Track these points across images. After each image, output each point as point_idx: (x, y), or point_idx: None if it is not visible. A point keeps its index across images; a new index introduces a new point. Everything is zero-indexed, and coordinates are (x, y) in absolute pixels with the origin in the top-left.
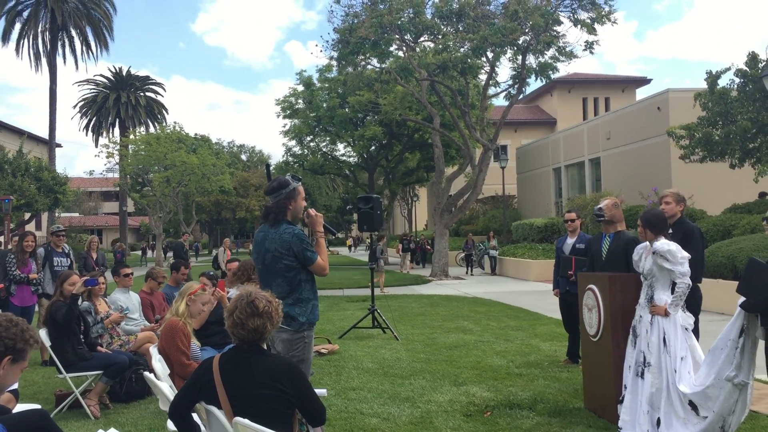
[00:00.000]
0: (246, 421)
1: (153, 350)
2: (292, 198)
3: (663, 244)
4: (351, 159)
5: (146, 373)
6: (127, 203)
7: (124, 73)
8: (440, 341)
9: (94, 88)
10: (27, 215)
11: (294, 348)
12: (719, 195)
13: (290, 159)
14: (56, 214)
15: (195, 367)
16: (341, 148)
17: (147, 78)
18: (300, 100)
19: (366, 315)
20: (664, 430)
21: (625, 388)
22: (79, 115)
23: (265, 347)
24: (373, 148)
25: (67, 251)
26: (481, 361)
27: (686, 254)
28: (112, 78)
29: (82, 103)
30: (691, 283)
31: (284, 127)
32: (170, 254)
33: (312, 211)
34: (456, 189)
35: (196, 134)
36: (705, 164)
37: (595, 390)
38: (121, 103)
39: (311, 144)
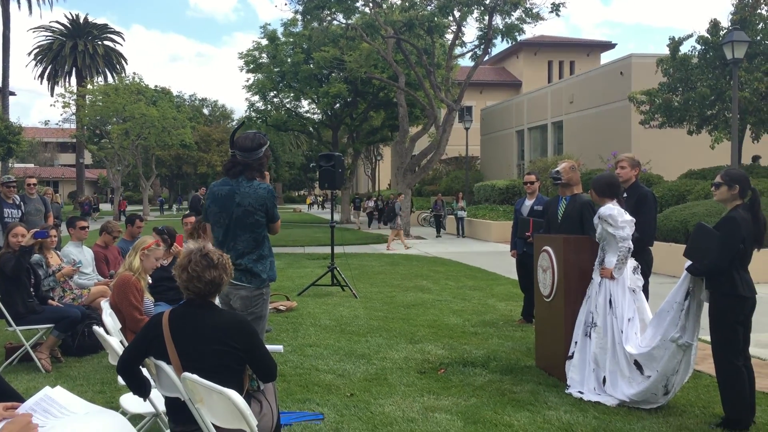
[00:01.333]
0: (194, 376)
1: (104, 304)
2: (267, 156)
3: (606, 209)
4: (315, 116)
5: (96, 328)
6: (84, 155)
7: (81, 21)
8: (398, 300)
9: (49, 35)
10: None
11: (253, 305)
12: (676, 161)
13: (253, 114)
14: (9, 165)
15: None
16: (305, 105)
17: (105, 26)
18: (264, 55)
19: (325, 273)
20: (609, 388)
21: (575, 344)
22: (33, 62)
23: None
24: (337, 105)
25: (17, 202)
26: (438, 320)
27: (628, 218)
28: (68, 25)
29: (37, 50)
30: (632, 247)
31: (247, 81)
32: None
33: (266, 173)
34: (420, 149)
35: (156, 86)
36: (664, 130)
37: (546, 349)
38: (78, 51)
39: (275, 100)
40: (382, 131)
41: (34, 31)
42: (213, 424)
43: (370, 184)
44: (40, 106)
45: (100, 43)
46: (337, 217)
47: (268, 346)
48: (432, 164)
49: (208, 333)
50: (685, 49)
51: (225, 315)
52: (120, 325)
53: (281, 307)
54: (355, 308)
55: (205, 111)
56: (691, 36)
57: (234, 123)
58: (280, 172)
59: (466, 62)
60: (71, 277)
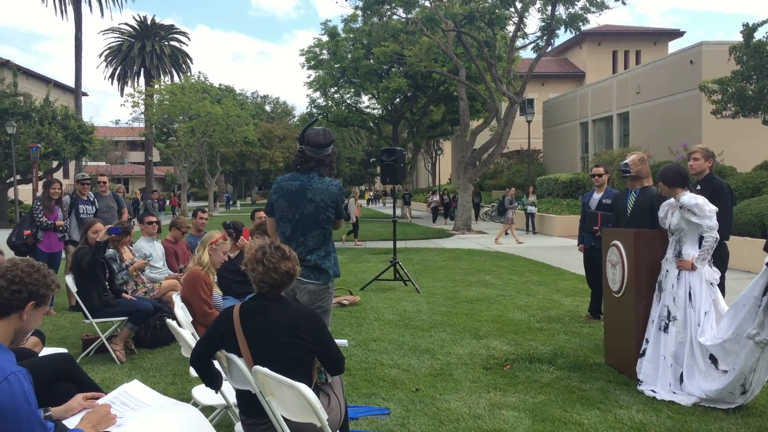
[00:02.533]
0: (265, 369)
1: (176, 298)
2: (336, 153)
3: (690, 198)
4: (375, 111)
5: (169, 321)
6: (152, 153)
7: (148, 22)
8: (461, 295)
9: (119, 37)
10: (54, 163)
11: (320, 299)
12: (750, 152)
13: (314, 111)
14: (83, 163)
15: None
16: (365, 100)
17: (171, 27)
18: (324, 51)
19: (388, 267)
20: (686, 384)
21: (647, 342)
22: (104, 63)
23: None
24: (397, 100)
25: (92, 199)
26: (502, 315)
27: (714, 207)
28: (136, 27)
29: (108, 51)
30: (718, 237)
31: (308, 78)
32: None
33: None
34: (481, 143)
35: (220, 84)
36: (737, 120)
37: (616, 346)
38: (146, 52)
39: (335, 96)
40: (443, 125)
41: (104, 33)
42: (284, 418)
43: (431, 179)
44: (111, 106)
45: (166, 43)
46: (398, 212)
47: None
48: (493, 158)
49: (279, 325)
50: (759, 35)
51: (295, 307)
52: (191, 318)
53: (345, 302)
54: (418, 303)
55: (267, 108)
56: (766, 22)
57: (295, 119)
58: (341, 167)
59: (528, 54)
60: (143, 270)
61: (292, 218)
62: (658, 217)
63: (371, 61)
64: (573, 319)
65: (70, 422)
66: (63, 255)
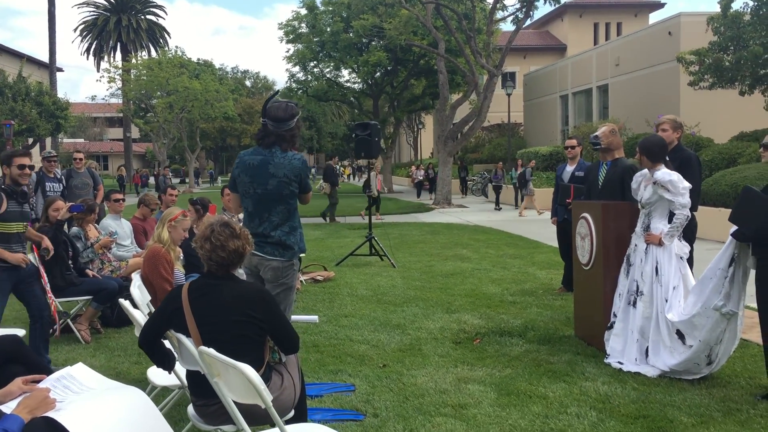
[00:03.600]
0: (210, 350)
1: (135, 276)
2: (299, 126)
3: (664, 173)
4: (356, 85)
5: (121, 300)
6: (131, 129)
7: None
8: (437, 269)
9: (94, 11)
10: (30, 140)
11: (284, 275)
12: (728, 123)
13: (294, 85)
14: (59, 140)
15: None
16: (346, 75)
17: (147, 0)
18: (303, 25)
19: (363, 242)
20: (651, 359)
21: (615, 316)
22: (79, 38)
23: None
24: (378, 74)
25: (59, 176)
26: (476, 289)
27: (687, 185)
28: (112, 0)
29: (83, 26)
30: (690, 215)
31: (287, 52)
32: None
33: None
34: (461, 116)
35: (198, 59)
36: (714, 91)
37: (585, 318)
38: (122, 26)
39: (315, 70)
40: (423, 99)
41: (78, 7)
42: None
43: (413, 153)
44: (89, 82)
45: (143, 17)
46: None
47: (304, 317)
48: (473, 132)
49: (228, 303)
50: (736, 5)
51: (245, 285)
52: (149, 298)
53: (319, 278)
54: (393, 278)
55: (248, 83)
56: None
57: (277, 95)
58: (323, 142)
59: (508, 26)
60: (109, 248)
61: (254, 193)
62: (631, 189)
63: (351, 34)
64: (546, 292)
65: (9, 407)
66: None
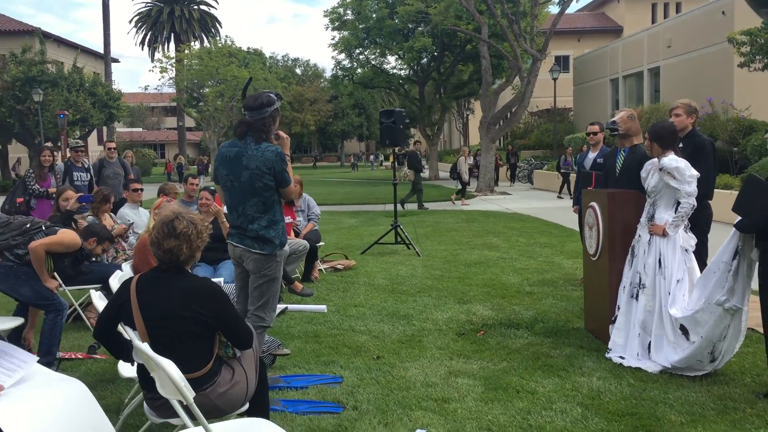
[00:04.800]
0: (144, 346)
1: (126, 267)
2: (275, 117)
3: (671, 160)
4: (402, 72)
5: (92, 291)
6: (184, 119)
7: None
8: (462, 258)
9: (149, 2)
10: (82, 131)
11: (266, 267)
12: None
13: (340, 72)
14: (115, 129)
15: None
16: (392, 61)
17: None
18: (349, 11)
19: (388, 231)
20: (654, 354)
21: (619, 309)
22: (135, 29)
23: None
24: (424, 60)
25: (86, 166)
26: (496, 279)
27: (695, 173)
28: None
29: (137, 17)
30: (696, 204)
31: (333, 39)
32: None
33: (282, 133)
34: (507, 102)
35: (249, 48)
36: None
37: (593, 310)
38: (175, 16)
39: (360, 57)
40: (470, 85)
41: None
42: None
43: (462, 139)
44: (148, 72)
45: (195, 7)
46: (427, 173)
47: (312, 306)
48: (516, 117)
49: (174, 298)
50: None
51: (194, 281)
52: None
53: (339, 266)
54: (414, 267)
55: (298, 71)
56: None
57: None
58: (372, 129)
59: (555, 9)
60: (125, 237)
61: (231, 186)
62: (641, 177)
63: (395, 20)
64: (567, 282)
65: None
66: None
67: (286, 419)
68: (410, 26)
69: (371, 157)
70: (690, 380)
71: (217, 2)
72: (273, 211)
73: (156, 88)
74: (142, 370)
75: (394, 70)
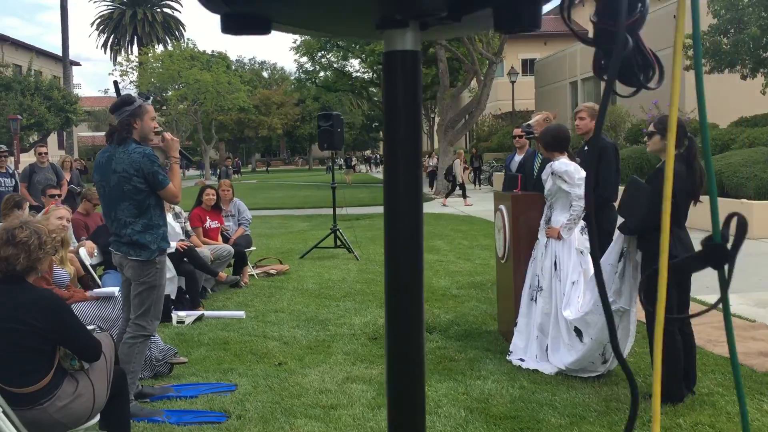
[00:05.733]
0: None
1: None
2: (137, 116)
3: (561, 164)
4: (366, 75)
5: None
6: None
7: None
8: None
9: (110, 5)
10: (36, 136)
11: (144, 274)
12: (730, 108)
13: (302, 76)
14: (74, 133)
15: (58, 294)
16: (357, 65)
17: None
18: None
19: (327, 235)
20: (551, 356)
21: (519, 312)
22: (96, 33)
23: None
24: None
25: (11, 171)
26: (426, 283)
27: (583, 175)
28: None
29: (99, 20)
30: (584, 206)
31: (294, 42)
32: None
33: (168, 135)
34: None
35: (213, 51)
36: (718, 76)
37: (504, 313)
38: (138, 19)
39: (323, 60)
40: (433, 88)
41: (95, 2)
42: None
43: (428, 143)
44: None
45: (158, 10)
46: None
47: (230, 312)
48: (473, 120)
49: (8, 311)
50: None
51: (32, 293)
52: None
53: (272, 271)
54: (349, 271)
55: (265, 74)
56: None
57: (292, 87)
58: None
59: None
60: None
61: (103, 192)
62: (542, 180)
63: None
64: (495, 285)
65: None
66: None
67: (165, 431)
68: None
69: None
70: (582, 381)
71: (180, 5)
72: (149, 215)
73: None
74: None
75: (357, 74)
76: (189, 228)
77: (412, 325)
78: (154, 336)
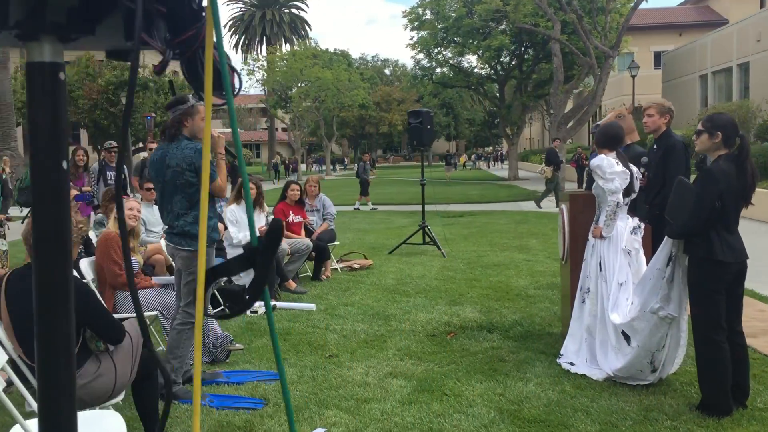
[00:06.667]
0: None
1: (83, 263)
2: (189, 115)
3: (596, 159)
4: (483, 71)
5: None
6: (273, 120)
7: None
8: (485, 260)
9: (242, 7)
10: None
11: (194, 264)
12: None
13: (419, 72)
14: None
15: (126, 279)
16: (474, 60)
17: None
18: (427, 11)
19: (416, 231)
20: (599, 360)
21: (573, 314)
22: (229, 34)
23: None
24: (506, 59)
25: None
26: (504, 281)
27: (618, 169)
28: None
29: (231, 22)
30: (621, 201)
31: (411, 39)
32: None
33: (214, 132)
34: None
35: (335, 49)
36: None
37: (566, 316)
38: (266, 20)
39: (439, 56)
40: (551, 83)
41: (228, 4)
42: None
43: (547, 140)
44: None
45: (286, 10)
46: (505, 173)
47: (301, 305)
48: (587, 117)
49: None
50: None
51: None
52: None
53: (355, 266)
54: (431, 268)
55: (387, 71)
56: None
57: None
58: (460, 129)
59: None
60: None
61: (158, 187)
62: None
63: (474, 18)
64: None
65: None
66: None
67: (203, 413)
68: (492, 24)
69: (472, 156)
70: (629, 389)
71: (306, 5)
72: (198, 207)
73: (244, 90)
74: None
75: (475, 69)
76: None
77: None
78: (212, 323)
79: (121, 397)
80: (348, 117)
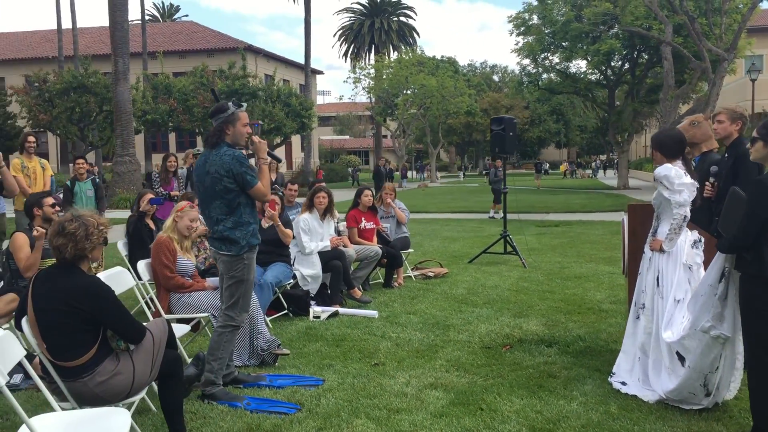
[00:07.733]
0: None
1: (141, 264)
2: (230, 122)
3: (662, 168)
4: (592, 76)
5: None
6: (379, 127)
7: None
8: (567, 271)
9: (351, 16)
10: (278, 139)
11: (234, 269)
12: None
13: (524, 78)
14: (311, 136)
15: (179, 281)
16: (583, 66)
17: (398, 3)
18: (534, 16)
19: (497, 240)
20: (652, 380)
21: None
22: (338, 43)
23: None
24: (617, 63)
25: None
26: (579, 294)
27: (687, 181)
28: (367, 5)
29: (341, 31)
30: (689, 215)
31: (516, 45)
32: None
33: (256, 138)
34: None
35: (442, 56)
36: None
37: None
38: (375, 28)
39: (545, 62)
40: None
41: (338, 14)
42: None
43: None
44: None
45: (394, 19)
46: (614, 182)
47: (364, 311)
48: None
49: (58, 294)
50: None
51: (80, 279)
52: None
53: (430, 274)
54: (508, 278)
55: (495, 78)
56: None
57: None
58: (571, 136)
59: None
60: (206, 236)
61: (199, 192)
62: None
63: (583, 21)
64: None
65: None
66: None
67: (236, 415)
68: (602, 27)
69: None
70: (680, 413)
71: (415, 13)
72: (239, 212)
73: (350, 98)
74: None
75: (583, 75)
76: (342, 228)
77: None
78: (262, 327)
79: (141, 395)
80: (455, 124)
